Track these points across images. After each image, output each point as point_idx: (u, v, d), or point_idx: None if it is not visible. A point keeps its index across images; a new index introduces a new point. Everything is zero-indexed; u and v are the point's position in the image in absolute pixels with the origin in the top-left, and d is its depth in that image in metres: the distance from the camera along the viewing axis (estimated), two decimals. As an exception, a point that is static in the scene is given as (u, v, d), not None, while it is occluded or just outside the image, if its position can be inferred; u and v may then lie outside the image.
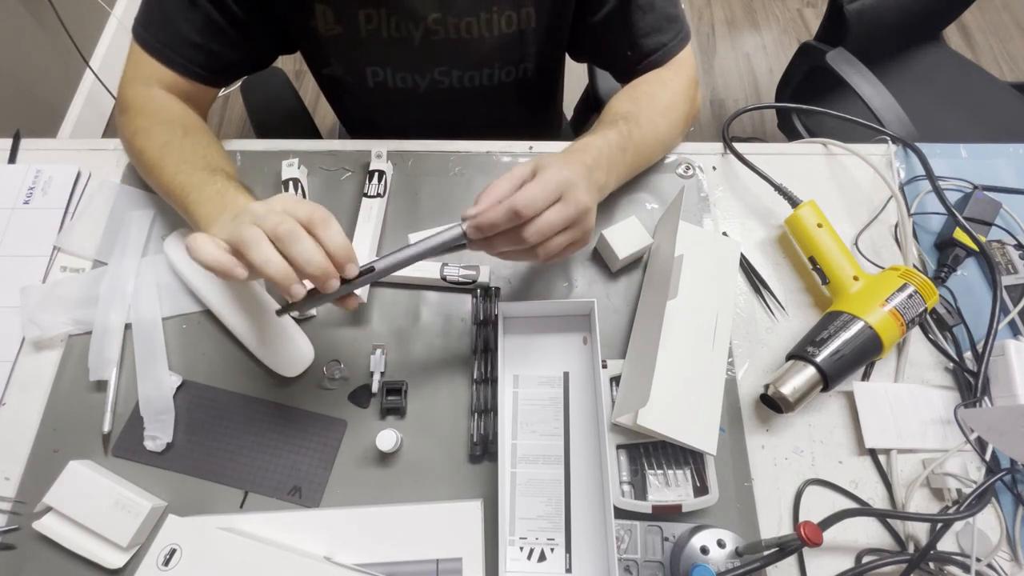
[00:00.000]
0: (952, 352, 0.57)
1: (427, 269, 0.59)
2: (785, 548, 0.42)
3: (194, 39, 0.58)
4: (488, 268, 0.59)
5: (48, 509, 0.48)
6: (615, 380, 0.55)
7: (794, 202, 0.61)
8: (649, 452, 0.52)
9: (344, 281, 0.41)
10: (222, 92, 1.87)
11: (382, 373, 0.56)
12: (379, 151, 0.65)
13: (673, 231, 0.51)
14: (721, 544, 0.45)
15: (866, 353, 0.53)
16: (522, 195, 0.42)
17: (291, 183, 0.62)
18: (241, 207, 0.45)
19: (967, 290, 0.61)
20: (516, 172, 0.45)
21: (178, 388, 0.55)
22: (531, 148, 0.68)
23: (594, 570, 0.48)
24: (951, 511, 0.49)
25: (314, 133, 0.91)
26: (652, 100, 0.61)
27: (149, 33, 0.58)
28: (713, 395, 0.53)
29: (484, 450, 0.53)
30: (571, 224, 0.45)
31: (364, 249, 0.58)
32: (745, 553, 0.45)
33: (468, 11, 0.62)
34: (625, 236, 0.59)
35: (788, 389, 0.51)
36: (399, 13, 0.61)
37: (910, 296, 0.53)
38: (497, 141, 0.69)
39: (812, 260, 0.59)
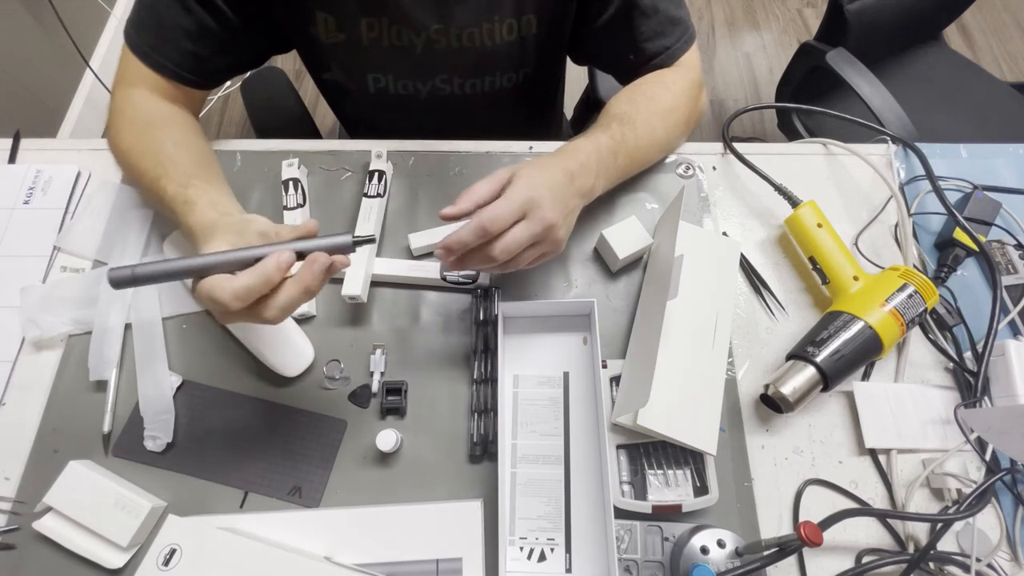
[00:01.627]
0: (952, 352, 0.57)
1: (427, 269, 0.59)
2: (785, 548, 0.42)
3: (185, 45, 0.58)
4: (488, 268, 0.59)
5: (48, 509, 0.48)
6: (615, 380, 0.55)
7: (794, 202, 0.61)
8: (649, 452, 0.52)
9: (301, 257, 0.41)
10: (222, 92, 1.88)
11: (382, 373, 0.56)
12: (379, 151, 0.64)
13: (673, 231, 0.51)
14: (721, 544, 0.45)
15: (866, 353, 0.53)
16: (488, 212, 0.44)
17: (291, 183, 0.62)
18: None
19: (967, 290, 0.61)
20: (496, 176, 0.47)
21: (178, 388, 0.55)
22: (531, 148, 0.68)
23: (594, 570, 0.48)
24: (951, 511, 0.49)
25: (314, 133, 0.91)
26: (651, 102, 0.61)
27: (140, 37, 0.57)
28: (713, 395, 0.53)
29: (484, 450, 0.53)
30: (537, 240, 0.46)
31: (364, 250, 0.58)
32: (745, 553, 0.45)
33: (470, 22, 0.62)
34: (625, 236, 0.59)
35: (788, 389, 0.51)
36: (401, 23, 0.61)
37: (910, 296, 0.53)
38: (497, 141, 0.69)
39: (812, 260, 0.59)
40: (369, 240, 0.43)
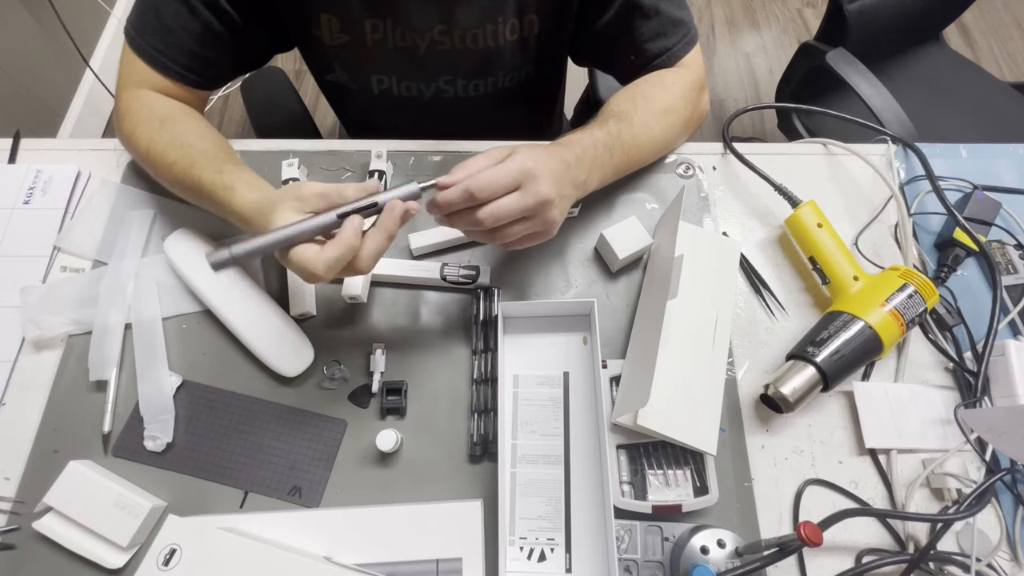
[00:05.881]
0: (952, 352, 0.57)
1: (427, 269, 0.59)
2: (785, 548, 0.42)
3: (191, 47, 0.58)
4: (488, 268, 0.59)
5: (48, 509, 0.48)
6: (615, 380, 0.55)
7: (794, 202, 0.61)
8: (649, 452, 0.52)
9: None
10: (222, 92, 1.88)
11: (382, 373, 0.56)
12: (379, 151, 0.64)
13: (673, 231, 0.51)
14: (721, 544, 0.45)
15: (866, 353, 0.53)
16: (479, 178, 0.44)
17: (291, 183, 0.62)
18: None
19: (967, 290, 0.61)
20: (494, 152, 0.47)
21: (178, 388, 0.55)
22: (531, 148, 0.68)
23: (594, 570, 0.48)
24: (951, 511, 0.49)
25: (314, 133, 0.91)
26: (649, 102, 0.60)
27: (143, 39, 0.57)
28: (713, 395, 0.53)
29: (484, 450, 0.53)
30: (529, 214, 0.46)
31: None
32: (745, 553, 0.45)
33: (473, 23, 0.62)
34: (625, 236, 0.59)
35: (788, 389, 0.51)
36: (405, 24, 0.61)
37: (910, 296, 0.53)
38: (497, 141, 0.68)
39: (812, 260, 0.59)
40: (432, 185, 0.45)
